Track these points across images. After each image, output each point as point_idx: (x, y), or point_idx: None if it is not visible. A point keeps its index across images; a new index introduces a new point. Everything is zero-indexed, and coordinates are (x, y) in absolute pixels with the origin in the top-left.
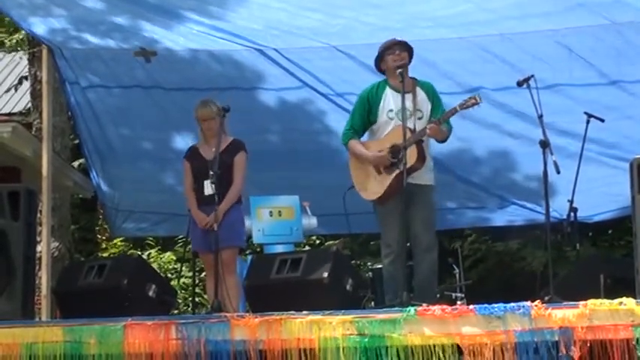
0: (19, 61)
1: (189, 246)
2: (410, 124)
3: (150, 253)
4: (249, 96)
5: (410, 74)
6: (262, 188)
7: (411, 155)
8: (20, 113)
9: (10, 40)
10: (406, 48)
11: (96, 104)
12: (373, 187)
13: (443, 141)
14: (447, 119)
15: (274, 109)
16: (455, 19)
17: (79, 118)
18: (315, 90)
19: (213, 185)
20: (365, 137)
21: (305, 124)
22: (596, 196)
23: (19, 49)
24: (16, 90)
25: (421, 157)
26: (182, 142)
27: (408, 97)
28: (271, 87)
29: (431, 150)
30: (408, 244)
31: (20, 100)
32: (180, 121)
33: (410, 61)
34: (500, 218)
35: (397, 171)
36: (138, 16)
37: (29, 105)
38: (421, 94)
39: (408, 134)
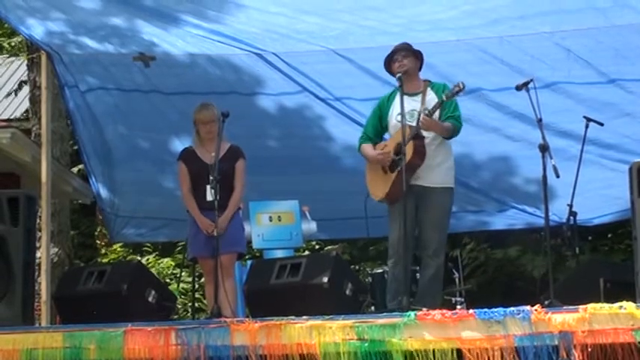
0: (19, 66)
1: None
2: (413, 124)
3: (148, 259)
4: (248, 101)
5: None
6: (261, 193)
7: (409, 152)
8: (17, 119)
9: (9, 44)
10: (411, 53)
11: (95, 108)
12: (379, 186)
13: (447, 137)
14: (435, 111)
15: (273, 114)
16: (453, 22)
17: (78, 122)
18: (314, 94)
19: (212, 190)
20: None
21: (304, 129)
22: (596, 199)
23: (18, 53)
24: (15, 95)
25: (418, 153)
26: (182, 145)
27: (417, 98)
28: (271, 92)
29: None
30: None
31: (19, 106)
32: (180, 125)
33: (421, 65)
34: (500, 222)
35: (399, 169)
36: (136, 20)
37: (27, 111)
38: (431, 95)
39: (409, 131)
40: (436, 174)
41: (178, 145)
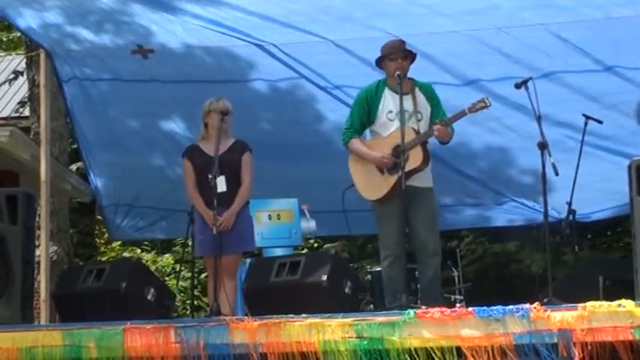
0: (19, 63)
1: (188, 248)
2: (411, 126)
3: (147, 257)
4: (245, 88)
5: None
6: (259, 181)
7: (416, 156)
8: (12, 118)
9: (7, 37)
10: (409, 55)
11: (93, 95)
12: (375, 187)
13: (447, 142)
14: (454, 121)
15: (270, 101)
16: (451, 10)
17: (75, 111)
18: (314, 83)
19: (214, 183)
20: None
21: (302, 117)
22: (594, 193)
23: (16, 47)
24: (10, 84)
25: (426, 159)
26: (182, 133)
27: (408, 98)
28: (270, 78)
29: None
30: (407, 247)
31: (18, 104)
32: (178, 112)
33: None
34: (500, 218)
35: (401, 172)
36: (133, 9)
37: (26, 110)
38: (420, 96)
39: (413, 135)
40: (425, 175)
41: (179, 133)
